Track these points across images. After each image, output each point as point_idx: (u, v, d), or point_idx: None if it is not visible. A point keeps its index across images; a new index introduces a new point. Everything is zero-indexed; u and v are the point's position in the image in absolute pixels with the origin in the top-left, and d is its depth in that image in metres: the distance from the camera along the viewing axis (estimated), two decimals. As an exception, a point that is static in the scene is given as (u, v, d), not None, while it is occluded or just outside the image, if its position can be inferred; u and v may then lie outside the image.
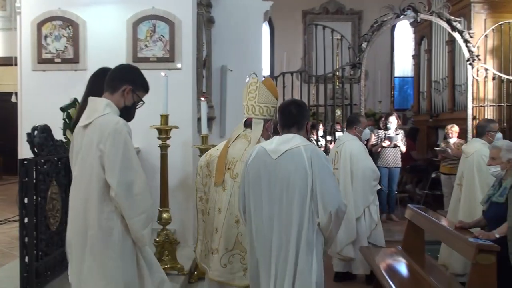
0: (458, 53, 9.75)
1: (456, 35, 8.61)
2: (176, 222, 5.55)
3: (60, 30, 6.24)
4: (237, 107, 7.84)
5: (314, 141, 8.82)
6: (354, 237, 5.60)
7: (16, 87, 6.59)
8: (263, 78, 4.39)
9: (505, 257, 3.88)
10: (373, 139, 9.00)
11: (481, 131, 5.69)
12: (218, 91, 7.92)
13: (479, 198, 4.95)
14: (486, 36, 8.88)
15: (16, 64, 6.56)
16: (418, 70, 12.41)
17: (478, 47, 8.70)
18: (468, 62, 8.66)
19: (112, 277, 2.74)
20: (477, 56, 8.63)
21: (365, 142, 7.02)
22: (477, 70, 8.71)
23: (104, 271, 2.73)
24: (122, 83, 2.90)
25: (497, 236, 3.97)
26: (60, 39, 6.25)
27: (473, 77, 8.71)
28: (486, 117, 8.82)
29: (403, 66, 15.27)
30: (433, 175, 9.74)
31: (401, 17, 8.65)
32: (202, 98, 6.00)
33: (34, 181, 3.95)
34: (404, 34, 15.05)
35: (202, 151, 4.92)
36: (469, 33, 8.60)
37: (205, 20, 7.22)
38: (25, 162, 3.87)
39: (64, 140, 4.62)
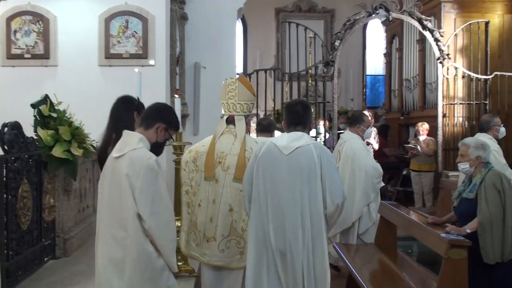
0: (428, 51, 9.89)
1: (427, 34, 8.74)
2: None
3: (30, 25, 6.14)
4: (210, 105, 7.87)
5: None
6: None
7: (-16, 83, 6.45)
8: (237, 76, 4.49)
9: (476, 252, 3.96)
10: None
11: (486, 126, 5.85)
12: (191, 88, 7.88)
13: None
14: (456, 35, 9.02)
15: (-16, 60, 6.41)
16: (390, 69, 12.56)
17: (448, 46, 8.85)
18: (439, 61, 8.80)
19: None
20: (447, 54, 8.78)
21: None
22: (447, 69, 8.85)
23: None
24: (156, 121, 3.07)
25: (468, 231, 4.04)
26: (30, 34, 6.15)
27: (443, 76, 8.85)
28: (455, 115, 8.99)
29: (375, 64, 15.41)
30: (404, 172, 9.89)
31: (373, 15, 8.74)
32: (176, 95, 5.95)
33: (5, 179, 3.87)
34: (375, 33, 15.20)
35: (176, 148, 4.88)
36: (439, 32, 8.74)
37: (178, 16, 7.18)
38: (-5, 159, 3.79)
39: (35, 137, 4.54)
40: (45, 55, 6.14)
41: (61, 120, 4.72)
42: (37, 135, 4.54)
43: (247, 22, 14.59)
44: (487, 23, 9.09)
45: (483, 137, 5.76)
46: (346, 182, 5.71)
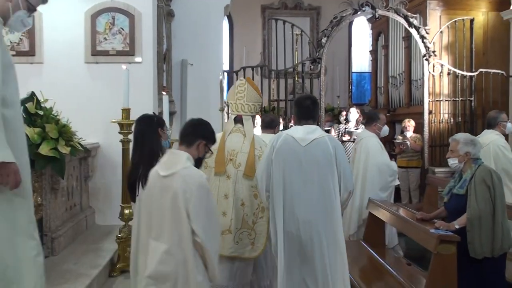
0: (414, 49, 9.95)
1: (413, 31, 8.79)
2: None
3: (14, 21, 6.03)
4: (197, 102, 7.85)
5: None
6: None
7: (-33, 80, 6.33)
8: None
9: (465, 247, 3.99)
10: (334, 134, 9.08)
11: (493, 122, 5.96)
12: (178, 85, 7.84)
13: None
14: (441, 32, 9.08)
15: (-33, 57, 6.31)
16: (376, 66, 12.60)
17: (434, 43, 8.91)
18: (424, 58, 8.87)
19: None
20: (433, 52, 8.84)
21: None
22: (433, 66, 8.91)
23: None
24: (196, 138, 3.26)
25: (457, 227, 4.08)
26: (15, 31, 6.05)
27: (429, 73, 8.91)
28: (441, 112, 9.07)
29: (361, 61, 15.49)
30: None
31: (360, 12, 8.76)
32: (164, 92, 5.92)
33: (-10, 178, 3.80)
34: (361, 30, 15.26)
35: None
36: (425, 29, 8.79)
37: (165, 13, 7.13)
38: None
39: (21, 135, 4.47)
40: (31, 52, 6.05)
41: (48, 118, 4.66)
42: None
43: (234, 19, 14.59)
44: (472, 21, 9.19)
45: (490, 133, 5.86)
46: (359, 179, 5.74)
